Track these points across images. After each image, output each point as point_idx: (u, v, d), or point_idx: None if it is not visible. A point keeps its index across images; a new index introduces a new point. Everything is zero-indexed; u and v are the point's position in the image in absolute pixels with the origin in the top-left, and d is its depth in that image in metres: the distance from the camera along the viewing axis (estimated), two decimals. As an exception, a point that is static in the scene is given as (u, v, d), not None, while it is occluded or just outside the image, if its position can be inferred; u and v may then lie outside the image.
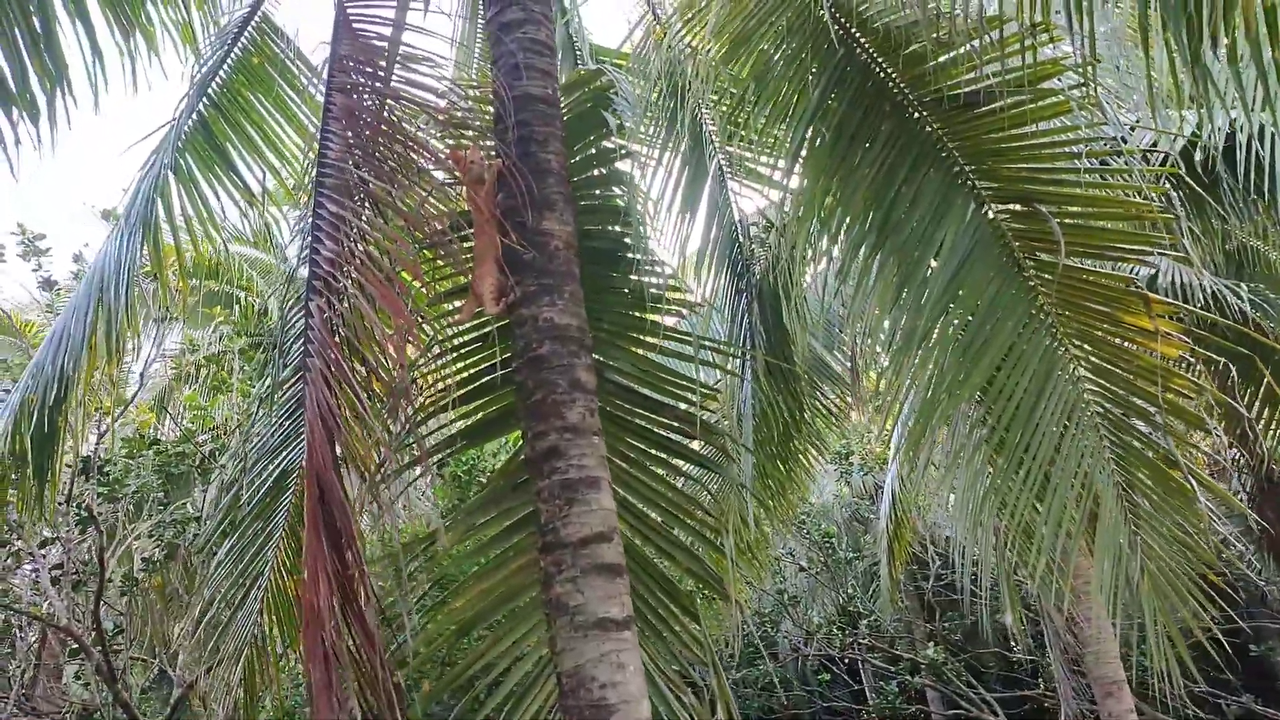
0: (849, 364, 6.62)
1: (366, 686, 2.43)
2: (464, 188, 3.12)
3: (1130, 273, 4.12)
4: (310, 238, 3.09)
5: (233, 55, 4.93)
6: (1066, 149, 3.76)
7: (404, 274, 3.28)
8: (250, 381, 6.54)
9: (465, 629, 3.39)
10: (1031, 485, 3.65)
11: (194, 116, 4.66)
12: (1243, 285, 4.73)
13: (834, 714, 12.22)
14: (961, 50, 3.62)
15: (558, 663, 2.59)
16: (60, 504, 5.46)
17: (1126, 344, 3.65)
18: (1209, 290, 4.61)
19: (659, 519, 3.61)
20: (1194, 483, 3.47)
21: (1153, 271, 4.98)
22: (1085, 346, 3.75)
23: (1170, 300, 3.63)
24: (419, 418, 3.44)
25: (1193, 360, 3.63)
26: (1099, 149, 3.78)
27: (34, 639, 6.16)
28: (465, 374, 3.67)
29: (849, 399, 6.85)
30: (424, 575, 3.53)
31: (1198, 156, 4.62)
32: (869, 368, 6.75)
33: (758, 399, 5.56)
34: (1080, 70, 3.47)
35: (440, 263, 3.71)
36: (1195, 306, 4.61)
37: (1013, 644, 9.28)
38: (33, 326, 7.80)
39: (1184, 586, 3.60)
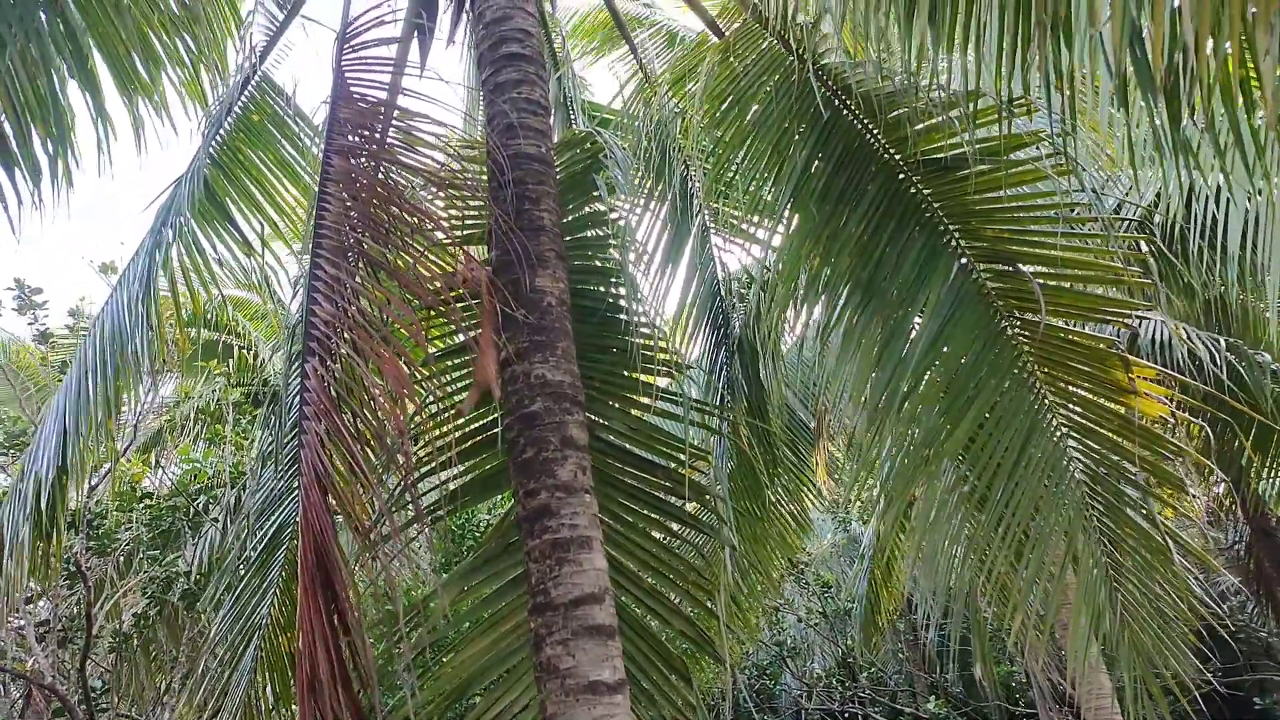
0: (826, 421, 6.67)
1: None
2: (461, 274, 3.16)
3: (1113, 332, 4.20)
4: (307, 299, 3.13)
5: (233, 112, 5.05)
6: (1047, 212, 3.86)
7: (401, 332, 3.32)
8: (243, 434, 6.55)
9: (459, 691, 3.37)
10: (1011, 541, 3.68)
11: (198, 174, 4.75)
12: (1219, 339, 4.81)
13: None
14: (940, 119, 3.74)
15: (548, 726, 2.57)
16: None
17: (1109, 403, 3.71)
18: (1188, 348, 4.68)
19: (650, 580, 3.60)
20: (1170, 542, 3.50)
21: (1132, 331, 5.06)
22: (1068, 405, 3.80)
23: (1150, 364, 3.69)
24: (415, 475, 3.45)
25: (1174, 421, 3.68)
26: (1078, 214, 3.89)
27: (18, 696, 6.08)
28: (461, 431, 3.70)
29: (825, 454, 6.89)
30: (417, 637, 3.51)
31: (1156, 219, 4.74)
32: (845, 427, 6.79)
33: (734, 456, 5.59)
34: (1055, 140, 3.57)
35: (438, 320, 3.76)
36: (1177, 362, 4.69)
37: (1016, 697, 9.17)
38: (31, 364, 7.75)
39: (1170, 642, 3.60)
